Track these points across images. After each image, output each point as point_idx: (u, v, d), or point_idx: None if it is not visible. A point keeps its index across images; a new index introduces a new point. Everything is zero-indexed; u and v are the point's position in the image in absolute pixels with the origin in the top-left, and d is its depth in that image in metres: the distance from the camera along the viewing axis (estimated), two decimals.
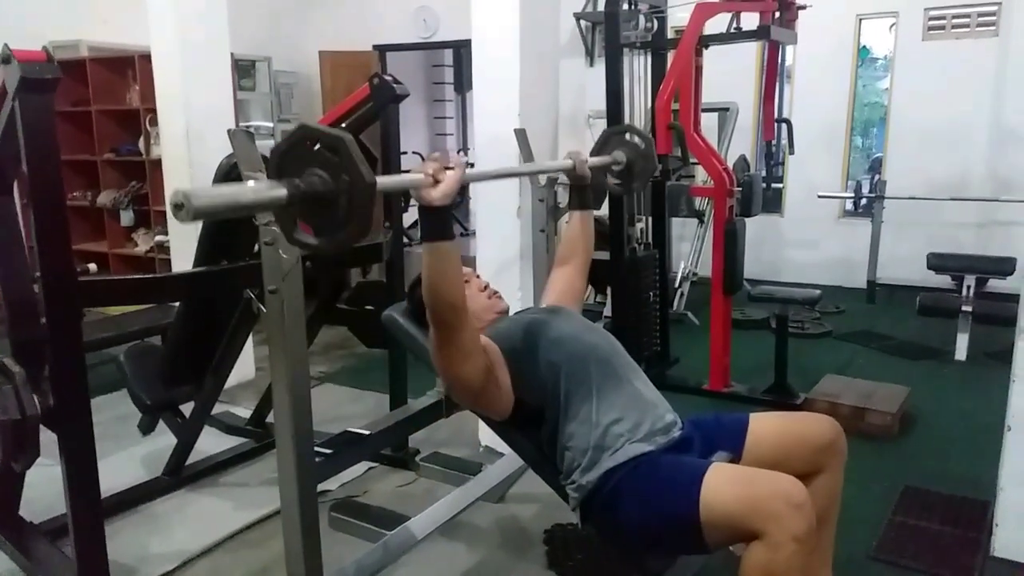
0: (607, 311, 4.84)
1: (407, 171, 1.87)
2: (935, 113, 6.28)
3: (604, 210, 4.11)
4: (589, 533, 2.49)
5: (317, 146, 1.29)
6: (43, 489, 2.61)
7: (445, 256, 1.62)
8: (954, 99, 6.20)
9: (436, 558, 2.56)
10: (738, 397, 4.00)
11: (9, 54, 1.91)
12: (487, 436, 3.31)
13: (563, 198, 3.37)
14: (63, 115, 5.89)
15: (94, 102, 6.14)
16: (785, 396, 3.89)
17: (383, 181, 1.38)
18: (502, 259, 3.26)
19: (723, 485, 1.66)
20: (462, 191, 1.59)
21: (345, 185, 1.25)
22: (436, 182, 1.53)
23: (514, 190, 3.22)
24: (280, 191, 1.26)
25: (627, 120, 4.29)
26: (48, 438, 2.12)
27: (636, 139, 2.41)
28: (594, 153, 2.43)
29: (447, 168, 1.55)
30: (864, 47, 7.62)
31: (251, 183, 1.26)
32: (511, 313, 2.20)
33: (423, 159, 2.04)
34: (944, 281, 5.44)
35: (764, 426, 1.97)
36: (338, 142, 1.24)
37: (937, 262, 5.23)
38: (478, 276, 2.22)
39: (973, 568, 2.45)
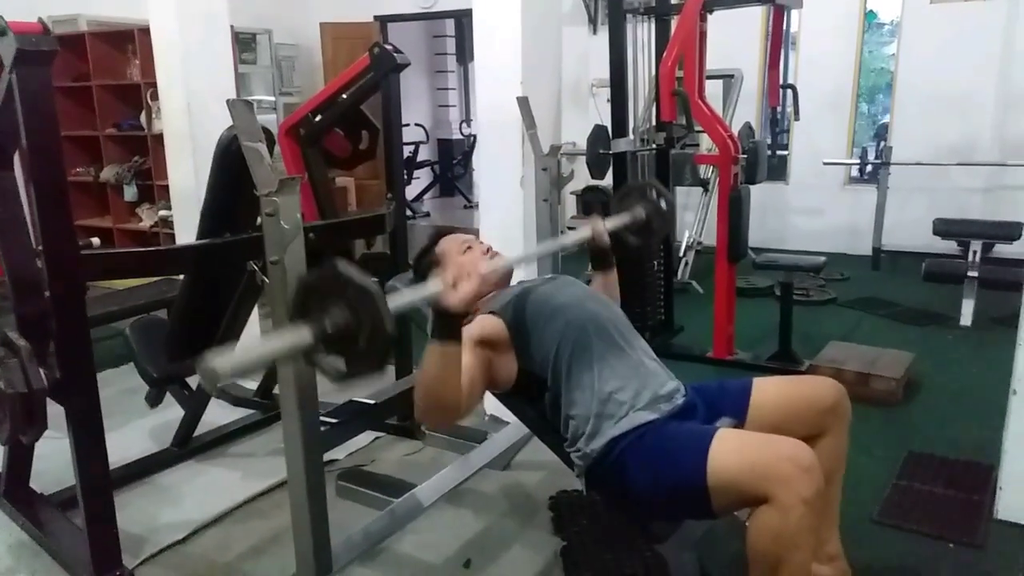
0: None
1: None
2: (942, 78, 6.21)
3: (608, 180, 4.09)
4: (594, 499, 2.51)
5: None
6: (53, 461, 2.65)
7: (450, 358, 1.63)
8: (962, 63, 6.12)
9: (442, 525, 2.58)
10: (742, 365, 4.01)
11: (5, 26, 1.89)
12: (492, 405, 3.32)
13: (566, 168, 3.35)
14: (64, 91, 5.86)
15: (94, 77, 6.12)
16: (789, 363, 3.89)
17: (399, 301, 1.45)
18: (505, 230, 3.24)
19: (730, 451, 1.65)
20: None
21: (367, 327, 1.31)
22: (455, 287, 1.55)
23: (517, 161, 3.20)
24: (306, 337, 1.33)
25: (630, 86, 4.26)
26: (57, 411, 2.14)
27: (655, 196, 2.41)
28: (614, 205, 2.43)
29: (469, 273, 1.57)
30: (871, 11, 7.50)
31: (275, 339, 1.35)
32: (514, 281, 2.19)
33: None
34: (950, 247, 5.43)
35: (767, 390, 1.97)
36: (367, 294, 1.32)
37: (943, 227, 5.20)
38: (480, 242, 2.21)
39: (977, 531, 2.46)
